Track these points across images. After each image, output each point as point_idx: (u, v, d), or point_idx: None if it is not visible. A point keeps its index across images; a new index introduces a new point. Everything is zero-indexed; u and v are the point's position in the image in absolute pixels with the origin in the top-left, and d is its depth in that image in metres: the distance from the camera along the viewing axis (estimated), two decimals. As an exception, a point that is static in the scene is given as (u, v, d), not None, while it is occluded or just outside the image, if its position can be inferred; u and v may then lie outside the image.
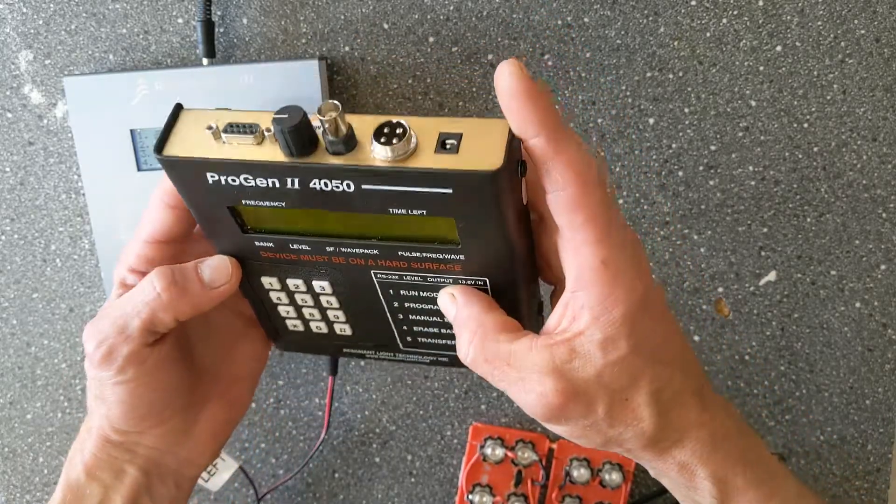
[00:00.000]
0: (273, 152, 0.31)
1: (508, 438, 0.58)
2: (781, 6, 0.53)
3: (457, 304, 0.35)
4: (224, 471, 0.56)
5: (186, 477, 0.44)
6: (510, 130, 0.30)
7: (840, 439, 0.59)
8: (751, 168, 0.55)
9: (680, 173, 0.55)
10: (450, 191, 0.30)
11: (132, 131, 0.52)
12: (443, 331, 0.41)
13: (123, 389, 0.38)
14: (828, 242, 0.56)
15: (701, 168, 0.55)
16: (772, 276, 0.57)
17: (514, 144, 0.30)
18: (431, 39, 0.54)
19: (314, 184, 0.31)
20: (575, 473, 0.57)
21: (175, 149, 0.33)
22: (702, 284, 0.57)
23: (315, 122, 0.31)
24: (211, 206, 0.35)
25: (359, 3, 0.53)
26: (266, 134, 0.32)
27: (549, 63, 0.54)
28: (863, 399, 0.58)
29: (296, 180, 0.31)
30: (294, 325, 0.44)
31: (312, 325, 0.44)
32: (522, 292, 0.37)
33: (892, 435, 0.59)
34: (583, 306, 0.31)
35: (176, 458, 0.42)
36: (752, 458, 0.35)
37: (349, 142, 0.31)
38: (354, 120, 0.31)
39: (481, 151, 0.30)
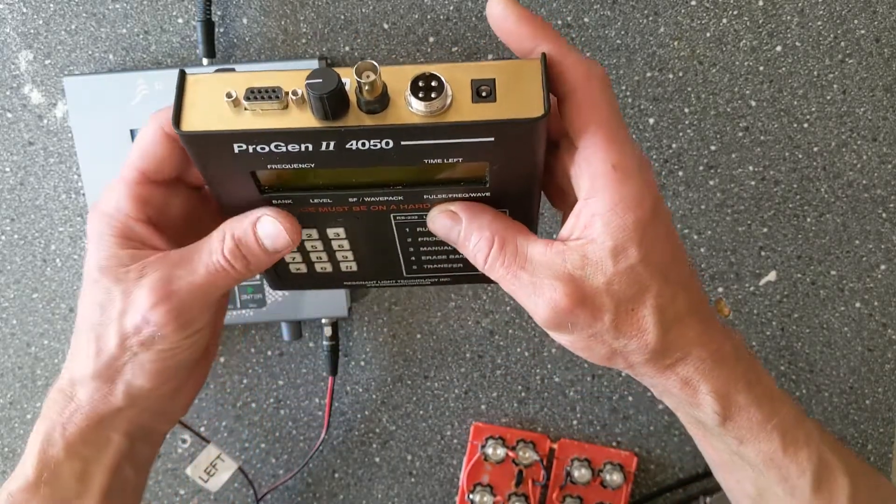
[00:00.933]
0: (304, 117, 0.30)
1: (509, 438, 0.58)
2: (781, 6, 0.53)
3: (462, 218, 0.35)
4: (223, 471, 0.56)
5: (161, 433, 0.42)
6: (544, 68, 0.30)
7: (840, 439, 0.59)
8: (751, 168, 0.55)
9: (680, 173, 0.55)
10: (491, 139, 0.30)
11: (132, 131, 0.52)
12: (451, 256, 0.41)
13: (173, 355, 0.36)
14: (828, 242, 0.56)
15: (701, 168, 0.55)
16: (772, 276, 0.57)
17: (547, 78, 0.30)
18: (431, 39, 0.54)
19: (350, 144, 0.30)
20: (576, 473, 0.57)
21: (195, 122, 0.31)
22: (702, 284, 0.57)
23: (344, 79, 0.30)
24: (231, 173, 0.33)
25: (359, 3, 0.53)
26: (291, 98, 0.30)
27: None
28: (863, 399, 0.58)
29: (332, 143, 0.30)
30: (297, 268, 0.42)
31: (317, 266, 0.42)
32: (535, 216, 0.37)
33: (892, 435, 0.59)
34: (594, 213, 0.32)
35: (162, 416, 0.41)
36: (753, 379, 0.35)
37: (384, 99, 0.30)
38: (383, 73, 0.30)
39: (519, 96, 0.30)
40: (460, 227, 0.35)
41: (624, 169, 0.31)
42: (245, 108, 0.30)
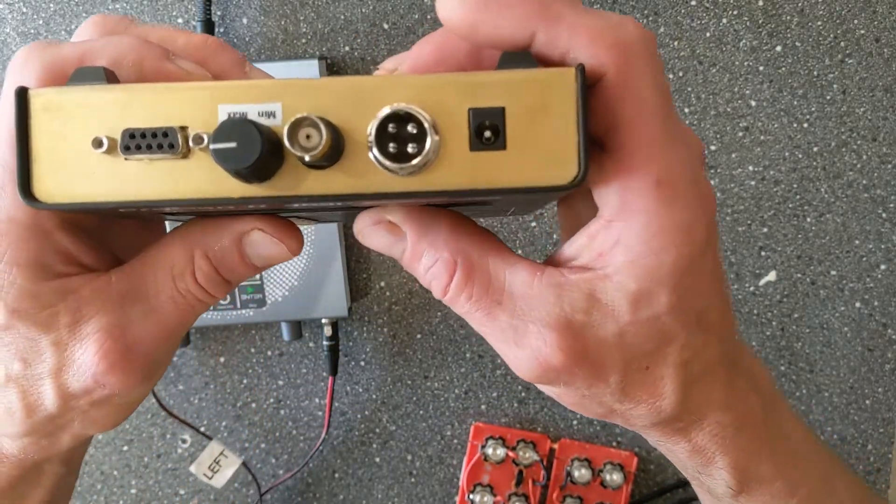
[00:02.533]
0: (214, 174, 0.21)
1: (510, 438, 0.58)
2: (781, 6, 0.53)
3: (407, 232, 0.25)
4: (227, 467, 0.56)
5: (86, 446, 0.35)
6: (581, 90, 0.21)
7: (840, 439, 0.59)
8: (751, 168, 0.55)
9: (680, 173, 0.55)
10: (495, 198, 0.22)
11: (132, 131, 0.52)
12: None
13: (136, 400, 0.29)
14: (828, 242, 0.56)
15: (701, 168, 0.55)
16: (772, 276, 0.57)
17: (586, 110, 0.21)
18: (431, 39, 0.54)
19: (288, 204, 0.22)
20: (576, 474, 0.57)
21: (51, 184, 0.21)
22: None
23: (273, 123, 0.21)
24: (145, 215, 0.26)
25: (359, 3, 0.53)
26: (192, 144, 0.21)
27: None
28: (863, 399, 0.58)
29: (261, 206, 0.22)
30: None
31: None
32: None
33: (892, 435, 0.59)
34: (618, 242, 0.23)
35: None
36: (779, 440, 0.29)
37: (334, 153, 0.21)
38: (336, 95, 0.21)
39: (539, 138, 0.21)
40: (404, 244, 0.25)
41: (672, 186, 0.22)
42: (125, 159, 0.21)
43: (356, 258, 0.57)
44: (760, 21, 0.53)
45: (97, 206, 0.22)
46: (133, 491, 0.60)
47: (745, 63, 0.54)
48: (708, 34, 0.53)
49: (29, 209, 0.24)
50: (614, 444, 0.59)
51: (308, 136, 0.20)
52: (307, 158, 0.20)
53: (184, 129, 0.21)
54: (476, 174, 0.21)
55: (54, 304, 0.25)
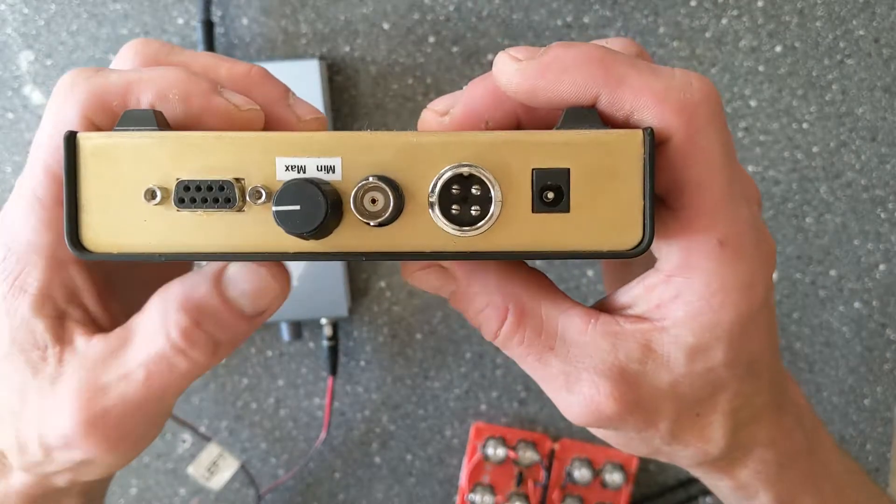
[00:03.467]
0: (269, 228, 0.21)
1: (510, 438, 0.58)
2: (781, 6, 0.53)
3: (458, 276, 0.25)
4: (225, 469, 0.56)
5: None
6: (649, 156, 0.20)
7: (839, 439, 0.59)
8: (751, 168, 0.55)
9: (680, 173, 0.55)
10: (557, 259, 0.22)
11: (132, 131, 0.52)
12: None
13: (120, 466, 0.28)
14: (827, 242, 0.56)
15: (701, 168, 0.55)
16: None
17: (653, 175, 0.21)
18: (431, 39, 0.54)
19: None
20: (576, 474, 0.57)
21: (100, 233, 0.21)
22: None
23: (333, 184, 0.20)
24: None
25: (359, 3, 0.53)
26: (249, 198, 0.21)
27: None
28: (862, 399, 0.58)
29: (315, 257, 0.22)
30: None
31: None
32: None
33: (890, 435, 0.59)
34: (677, 296, 0.23)
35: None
36: (821, 474, 0.29)
37: (396, 211, 0.21)
38: (395, 147, 0.20)
39: (604, 202, 0.21)
40: (453, 286, 0.25)
41: (736, 246, 0.22)
42: (177, 210, 0.21)
43: (356, 258, 0.57)
44: (760, 21, 0.53)
45: (146, 258, 0.21)
46: (133, 490, 0.60)
47: (745, 63, 0.54)
48: (708, 34, 0.53)
49: (48, 235, 0.23)
50: (614, 443, 0.59)
51: (374, 201, 0.20)
52: (372, 224, 0.20)
53: (239, 181, 0.21)
54: (538, 237, 0.21)
55: (43, 348, 0.24)
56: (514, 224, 0.21)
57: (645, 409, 0.24)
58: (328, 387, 0.58)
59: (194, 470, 0.56)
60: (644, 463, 0.59)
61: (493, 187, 0.20)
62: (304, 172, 0.20)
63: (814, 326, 0.58)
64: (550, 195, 0.21)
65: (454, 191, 0.20)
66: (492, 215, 0.20)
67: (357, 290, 0.57)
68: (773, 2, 0.53)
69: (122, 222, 0.21)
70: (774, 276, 0.57)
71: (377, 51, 0.54)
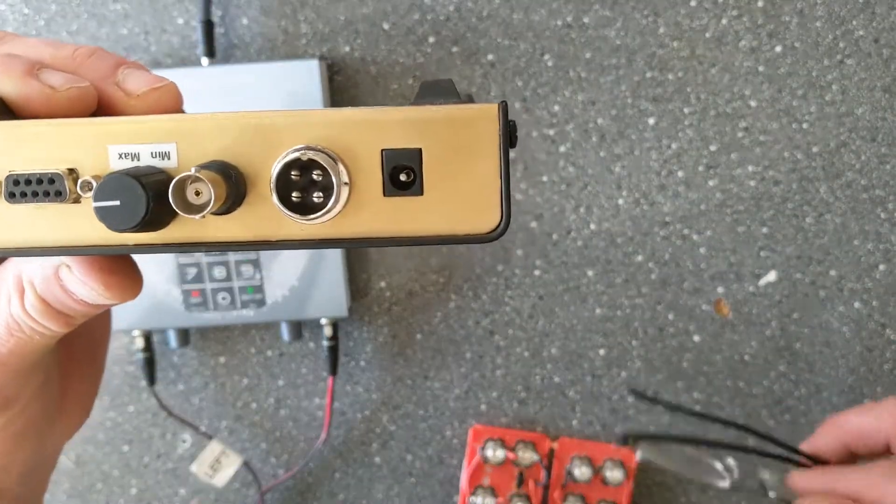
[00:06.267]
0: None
1: (508, 439, 0.58)
2: (781, 6, 0.53)
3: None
4: (228, 466, 0.56)
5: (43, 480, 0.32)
6: (502, 125, 0.19)
7: (839, 439, 0.59)
8: (751, 168, 0.55)
9: (680, 173, 0.55)
10: (412, 246, 0.21)
11: (132, 131, 0.52)
12: None
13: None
14: (827, 242, 0.56)
15: (701, 168, 0.55)
16: (772, 276, 0.57)
17: (506, 151, 0.20)
18: (431, 39, 0.54)
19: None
20: (577, 472, 0.57)
21: None
22: (702, 284, 0.57)
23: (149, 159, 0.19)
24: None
25: (359, 3, 0.53)
26: (80, 191, 0.20)
27: (549, 63, 0.54)
28: (862, 399, 0.59)
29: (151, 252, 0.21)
30: None
31: None
32: None
33: (891, 434, 0.59)
34: None
35: (31, 475, 0.30)
36: None
37: (233, 200, 0.19)
38: (239, 133, 0.19)
39: (459, 183, 0.19)
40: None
41: None
42: (10, 204, 0.20)
43: (356, 258, 0.57)
44: (760, 21, 0.53)
45: None
46: (133, 490, 0.60)
47: (745, 63, 0.54)
48: (708, 34, 0.53)
49: None
50: (614, 441, 0.59)
51: (198, 193, 0.18)
52: (198, 218, 0.18)
53: (72, 172, 0.19)
54: (390, 222, 0.19)
55: None
56: (364, 209, 0.19)
57: None
58: (328, 387, 0.58)
59: (197, 468, 0.56)
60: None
61: (338, 173, 0.19)
62: (139, 160, 0.19)
63: (814, 326, 0.58)
64: (403, 177, 0.19)
65: (294, 177, 0.19)
66: (335, 202, 0.19)
67: (357, 290, 0.57)
68: (773, 2, 0.53)
69: None
70: (773, 275, 0.57)
71: (377, 51, 0.54)
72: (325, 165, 0.19)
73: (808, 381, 0.58)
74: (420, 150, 0.19)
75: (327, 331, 0.56)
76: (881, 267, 0.57)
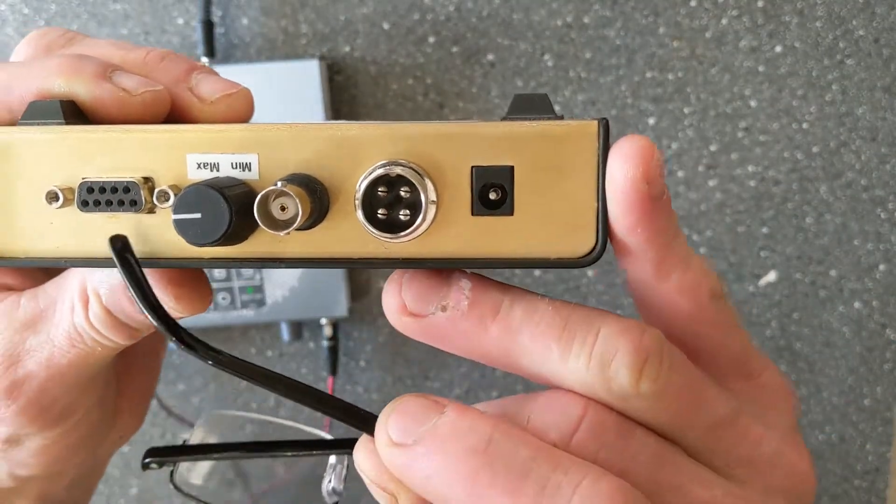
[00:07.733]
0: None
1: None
2: (781, 6, 0.53)
3: None
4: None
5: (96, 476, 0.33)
6: (601, 150, 0.18)
7: (839, 439, 0.59)
8: (751, 168, 0.55)
9: (680, 173, 0.55)
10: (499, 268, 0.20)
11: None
12: None
13: (56, 442, 0.26)
14: (827, 242, 0.56)
15: (701, 168, 0.55)
16: (772, 276, 0.57)
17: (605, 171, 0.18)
18: (431, 39, 0.54)
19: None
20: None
21: (6, 238, 0.19)
22: (702, 284, 0.57)
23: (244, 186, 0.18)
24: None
25: (359, 3, 0.53)
26: (156, 201, 0.19)
27: (549, 63, 0.54)
28: (862, 399, 0.58)
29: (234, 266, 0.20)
30: None
31: None
32: None
33: (890, 434, 0.59)
34: None
35: (85, 480, 0.31)
36: None
37: (317, 215, 0.18)
38: (316, 143, 0.18)
39: (551, 204, 0.18)
40: None
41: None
42: (83, 213, 0.19)
43: (356, 258, 0.57)
44: (760, 21, 0.53)
45: (52, 263, 0.19)
46: (134, 490, 0.60)
47: (745, 63, 0.54)
48: (708, 34, 0.53)
49: None
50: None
51: (283, 208, 0.18)
52: (282, 235, 0.18)
53: (148, 181, 0.19)
54: (478, 242, 0.18)
55: None
56: (451, 229, 0.18)
57: None
58: (328, 387, 0.58)
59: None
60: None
61: (425, 190, 0.18)
62: (218, 170, 0.18)
63: (814, 326, 0.58)
64: (493, 196, 0.18)
65: (381, 193, 0.18)
66: (422, 220, 0.18)
67: (357, 290, 0.57)
68: (773, 2, 0.53)
69: (25, 227, 0.19)
70: (773, 275, 0.57)
71: (377, 51, 0.54)
72: (413, 181, 0.18)
73: (808, 381, 0.58)
74: (512, 167, 0.18)
75: (327, 331, 0.56)
76: (881, 267, 0.57)
